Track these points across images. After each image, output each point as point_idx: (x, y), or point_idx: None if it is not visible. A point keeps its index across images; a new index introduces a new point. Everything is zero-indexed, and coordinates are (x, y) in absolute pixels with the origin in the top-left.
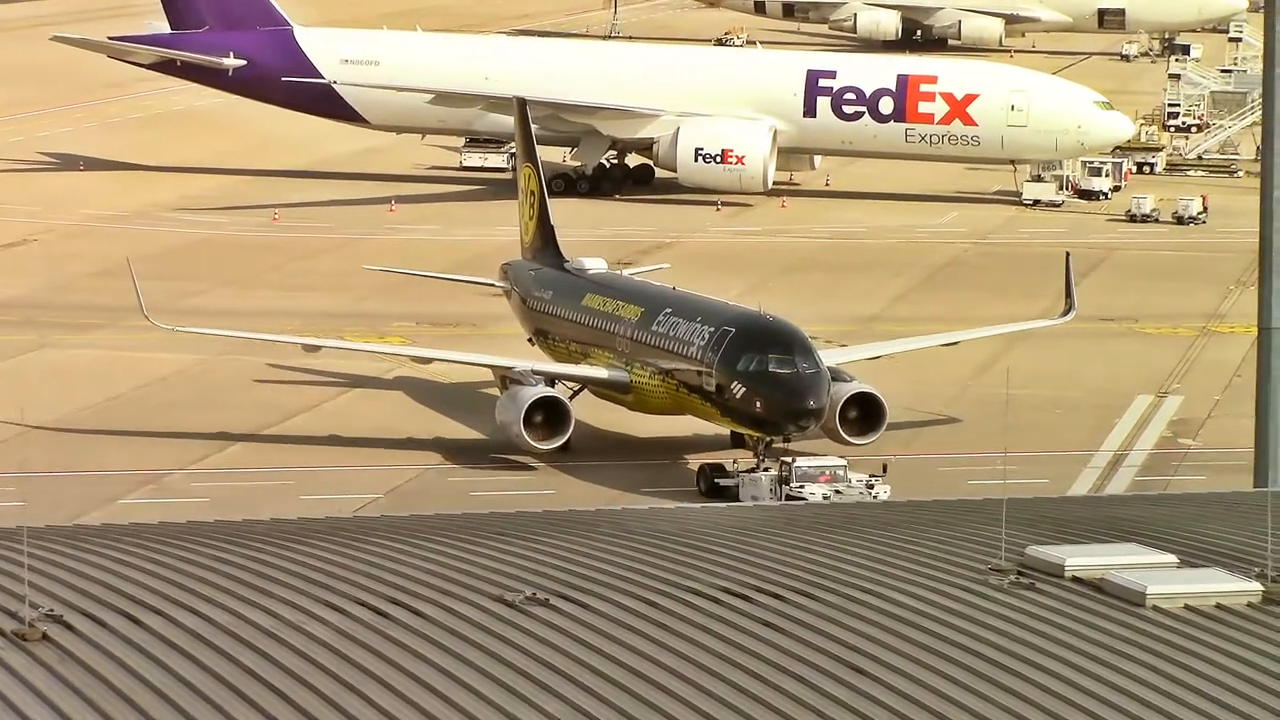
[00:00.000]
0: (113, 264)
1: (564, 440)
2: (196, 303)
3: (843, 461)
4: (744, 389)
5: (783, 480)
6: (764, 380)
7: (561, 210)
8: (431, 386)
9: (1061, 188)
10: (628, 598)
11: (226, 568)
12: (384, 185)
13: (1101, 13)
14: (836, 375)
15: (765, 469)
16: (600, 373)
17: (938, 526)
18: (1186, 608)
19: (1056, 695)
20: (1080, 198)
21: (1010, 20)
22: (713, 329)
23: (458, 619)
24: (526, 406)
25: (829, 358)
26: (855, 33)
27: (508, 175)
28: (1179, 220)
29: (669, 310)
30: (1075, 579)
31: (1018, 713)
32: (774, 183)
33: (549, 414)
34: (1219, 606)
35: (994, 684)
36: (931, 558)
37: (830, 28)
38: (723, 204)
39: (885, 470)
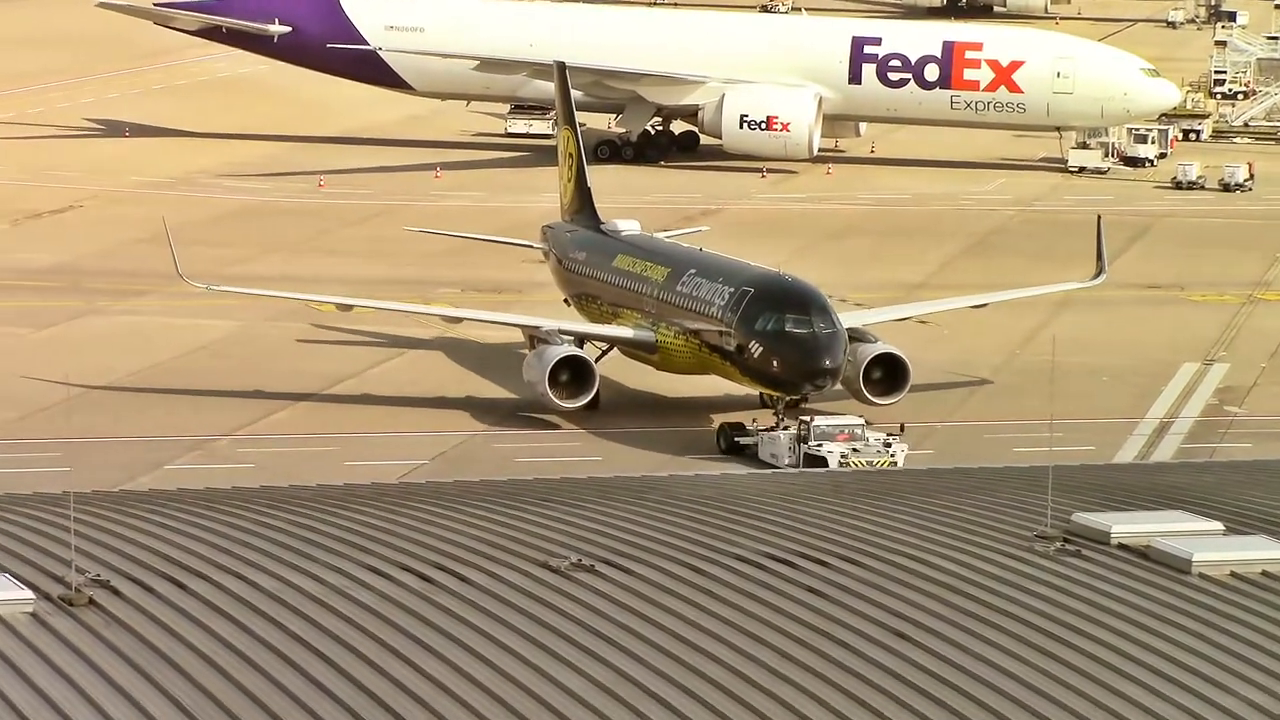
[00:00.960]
0: (158, 230)
1: (589, 398)
2: (241, 269)
3: (860, 420)
4: (761, 348)
5: (801, 439)
6: (781, 339)
7: (606, 177)
8: (473, 349)
9: (1107, 155)
10: (672, 564)
11: (272, 533)
12: (429, 152)
13: None
14: (861, 336)
15: (785, 428)
16: (626, 332)
17: (983, 493)
18: (1232, 574)
19: (1102, 662)
20: (1126, 165)
21: None
22: (733, 289)
23: (503, 585)
24: (551, 365)
25: (855, 319)
26: None
27: (553, 142)
28: (1225, 187)
29: (693, 271)
30: (1121, 546)
31: (1063, 679)
32: (819, 150)
33: (575, 373)
34: (1265, 573)
35: (1039, 650)
36: (977, 525)
37: None
38: (768, 171)
39: (902, 429)
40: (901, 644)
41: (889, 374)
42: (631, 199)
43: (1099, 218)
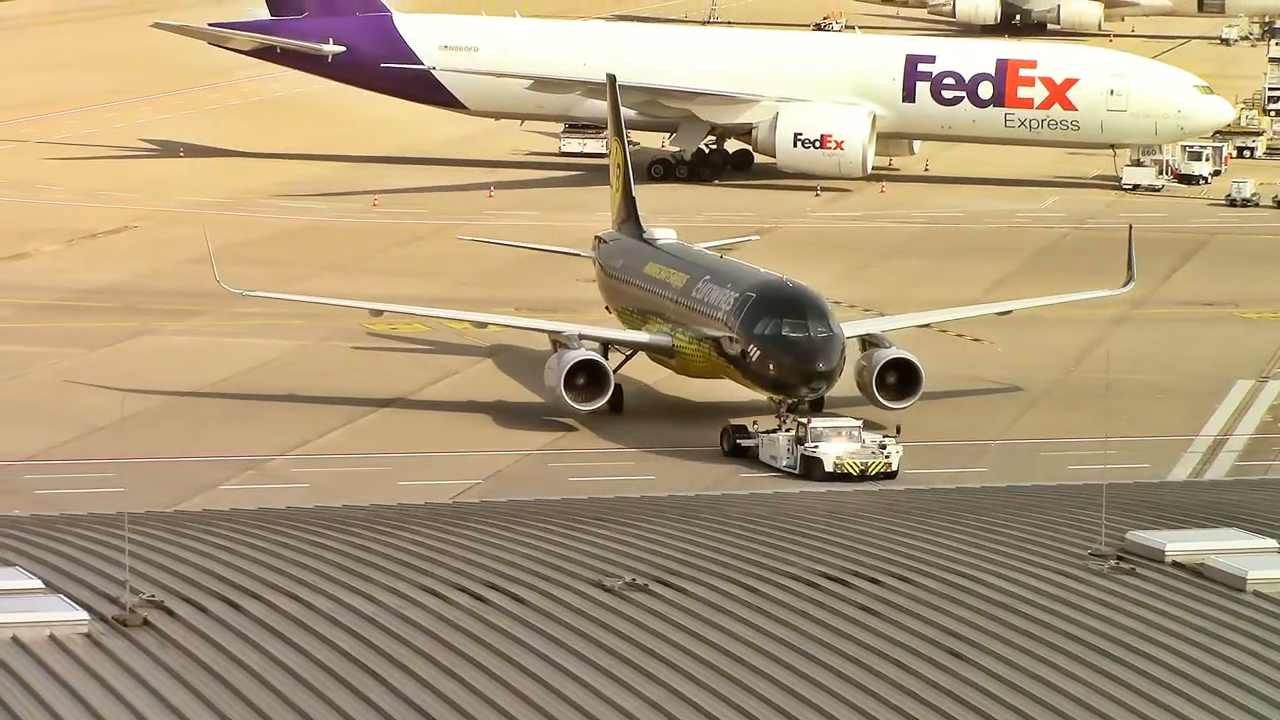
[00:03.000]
0: (213, 251)
1: (604, 401)
2: (297, 288)
3: (857, 422)
4: (760, 351)
5: (798, 440)
6: (778, 343)
7: (660, 195)
8: (526, 364)
9: (1161, 172)
10: (726, 583)
11: (326, 553)
12: (483, 171)
13: None
14: (877, 342)
15: (787, 430)
16: (643, 337)
17: (1037, 511)
18: None
19: (1156, 680)
20: (1180, 182)
21: (1109, 4)
22: (738, 294)
23: (557, 604)
24: (567, 369)
25: (873, 325)
26: (954, 17)
27: (606, 161)
28: (1279, 204)
29: (708, 277)
30: (1175, 564)
31: (1117, 698)
32: (873, 168)
33: (591, 376)
34: None
35: (1093, 669)
36: (1030, 542)
37: (929, 12)
38: (822, 189)
39: (899, 431)
40: (955, 662)
41: (903, 379)
42: (684, 218)
43: (1130, 227)
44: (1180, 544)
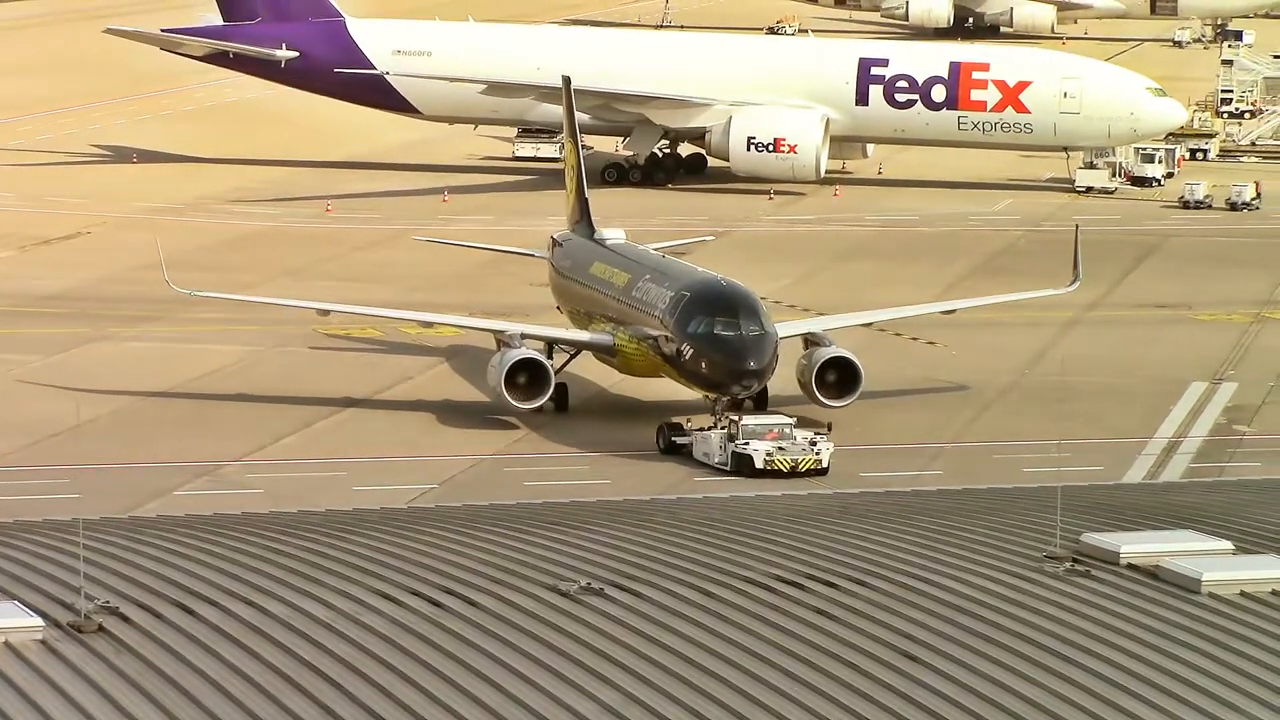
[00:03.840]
0: (167, 256)
1: (543, 400)
2: (251, 293)
3: (789, 420)
4: (692, 350)
5: (730, 438)
6: (709, 341)
7: (614, 200)
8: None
9: (1114, 174)
10: (682, 586)
11: (281, 559)
12: (437, 176)
13: None
14: (817, 341)
15: (722, 428)
16: (584, 336)
17: (992, 514)
18: (1242, 594)
19: (1112, 682)
20: (1133, 184)
21: (1062, 7)
22: (673, 293)
23: (512, 609)
24: (508, 368)
25: (815, 324)
26: (907, 20)
27: (560, 165)
28: (1232, 206)
29: (647, 276)
30: (1130, 566)
31: (1073, 700)
32: (826, 171)
33: (531, 375)
34: (1275, 593)
35: (1049, 671)
36: (986, 545)
37: (882, 15)
38: (775, 193)
39: (830, 429)
40: (911, 665)
41: (843, 378)
42: (638, 222)
43: (1076, 226)
44: (1135, 546)
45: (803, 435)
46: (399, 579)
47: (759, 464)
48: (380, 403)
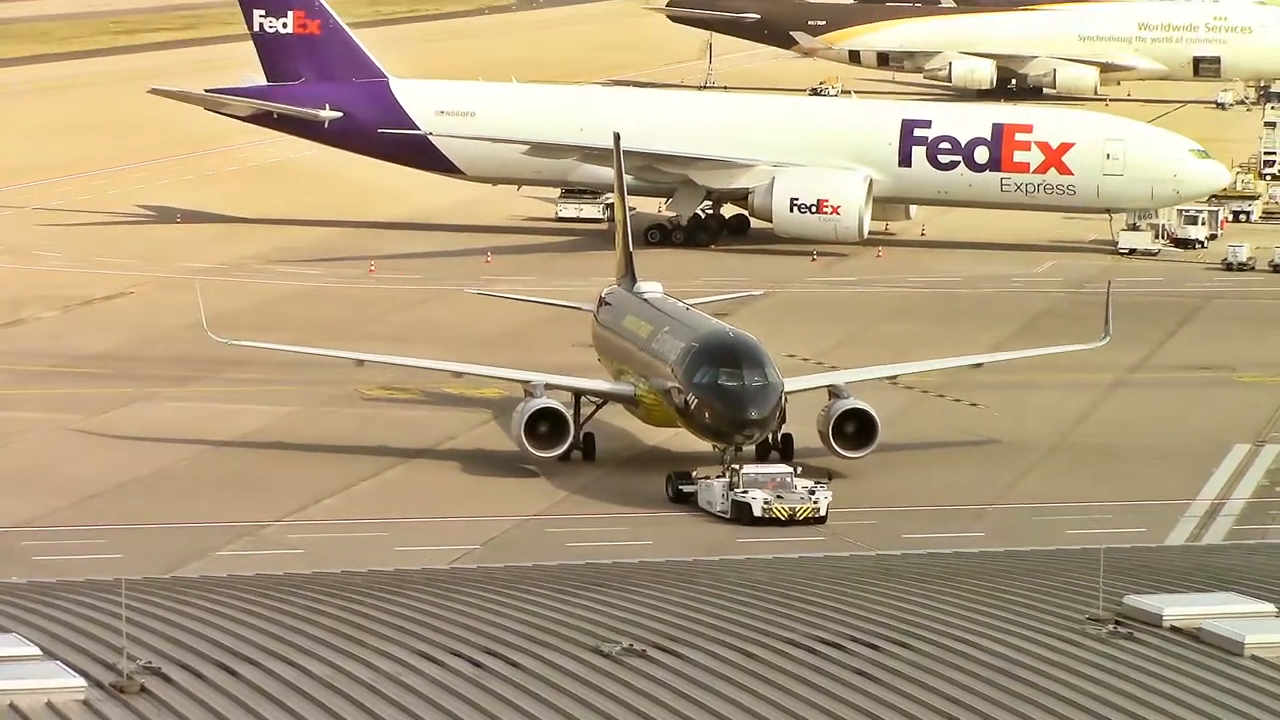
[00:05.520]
0: (209, 316)
1: (563, 449)
2: (292, 354)
3: (789, 469)
4: (697, 400)
5: (730, 486)
6: (712, 391)
7: (657, 260)
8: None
9: (1157, 236)
10: (724, 648)
11: (322, 619)
12: (480, 236)
13: (1197, 61)
14: (836, 393)
15: (720, 476)
16: (606, 386)
17: (1035, 576)
18: None
19: None
20: (1176, 246)
21: (1105, 69)
22: (683, 345)
23: (554, 670)
24: (528, 416)
25: (837, 377)
26: (950, 82)
27: (603, 226)
28: (1275, 268)
29: (667, 329)
30: (1173, 628)
31: None
32: (869, 232)
33: (553, 424)
34: None
35: None
36: (1028, 607)
37: (925, 77)
38: (818, 254)
39: (830, 478)
40: None
41: (861, 429)
42: (680, 282)
43: (1109, 282)
44: (1178, 608)
45: (802, 484)
46: (441, 640)
47: (757, 511)
48: (422, 463)
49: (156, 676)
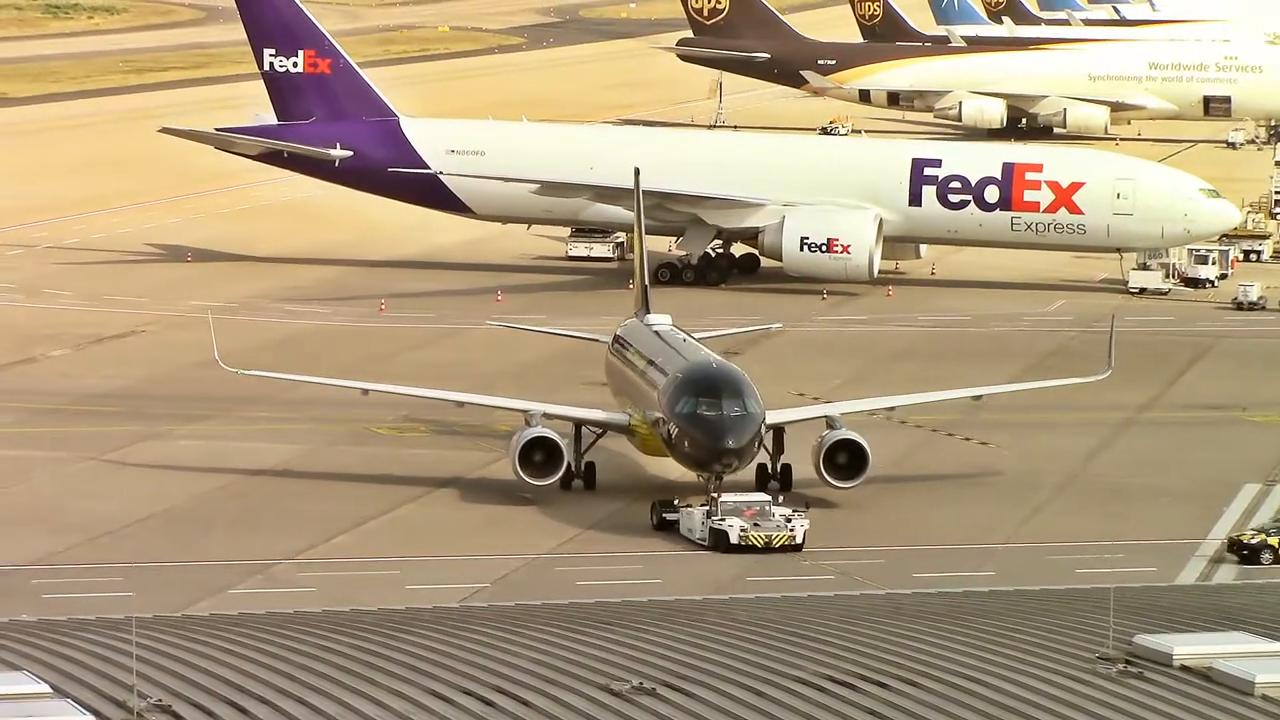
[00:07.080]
0: (220, 354)
1: (556, 478)
2: (303, 392)
3: (766, 498)
4: (678, 429)
5: (709, 514)
6: (692, 421)
7: (667, 298)
8: None
9: (1168, 275)
10: (733, 686)
11: (333, 657)
12: (490, 275)
13: (1207, 100)
14: (830, 424)
15: (700, 505)
16: (602, 415)
17: (1045, 615)
18: None
19: None
20: (1186, 285)
21: (1115, 108)
22: (668, 375)
23: (564, 708)
24: (522, 445)
25: (832, 409)
26: (960, 121)
27: (613, 265)
28: None
29: (660, 359)
30: (1184, 667)
31: None
32: (880, 271)
33: (548, 454)
34: None
35: None
36: (1038, 646)
37: (935, 116)
38: (828, 293)
39: (808, 507)
40: None
41: (852, 460)
42: (690, 321)
43: (1112, 317)
44: (1188, 647)
45: (780, 512)
46: (451, 678)
47: (733, 539)
48: (433, 500)
49: (167, 714)
